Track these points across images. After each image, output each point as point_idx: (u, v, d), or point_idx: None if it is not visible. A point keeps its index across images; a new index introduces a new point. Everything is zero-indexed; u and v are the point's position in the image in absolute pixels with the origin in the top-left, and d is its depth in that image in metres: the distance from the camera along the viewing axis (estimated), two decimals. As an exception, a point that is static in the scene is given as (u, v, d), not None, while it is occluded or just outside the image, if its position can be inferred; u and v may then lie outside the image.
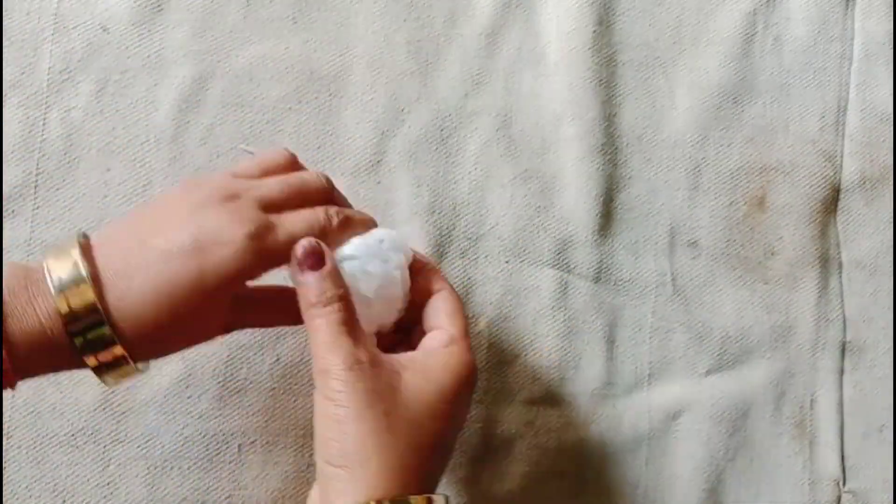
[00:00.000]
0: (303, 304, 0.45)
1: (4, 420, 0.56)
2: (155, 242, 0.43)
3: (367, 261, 0.47)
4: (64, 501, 0.55)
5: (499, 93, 0.63)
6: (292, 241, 0.44)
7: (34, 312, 0.40)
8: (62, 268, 0.41)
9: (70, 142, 0.58)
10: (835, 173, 0.64)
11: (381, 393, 0.43)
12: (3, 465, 0.55)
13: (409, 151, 0.61)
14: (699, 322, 0.62)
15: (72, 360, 0.41)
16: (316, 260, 0.45)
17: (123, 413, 0.57)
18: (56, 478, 0.55)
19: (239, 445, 0.57)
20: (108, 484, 0.56)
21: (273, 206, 0.45)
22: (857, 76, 0.65)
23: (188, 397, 0.57)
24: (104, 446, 0.56)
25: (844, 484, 0.62)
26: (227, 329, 0.49)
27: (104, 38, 0.60)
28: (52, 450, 0.56)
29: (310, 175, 0.49)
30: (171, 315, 0.42)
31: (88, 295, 0.40)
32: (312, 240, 0.45)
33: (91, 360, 0.41)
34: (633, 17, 0.64)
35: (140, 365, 0.43)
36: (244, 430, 0.58)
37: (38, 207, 0.58)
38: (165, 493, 0.56)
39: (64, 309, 0.40)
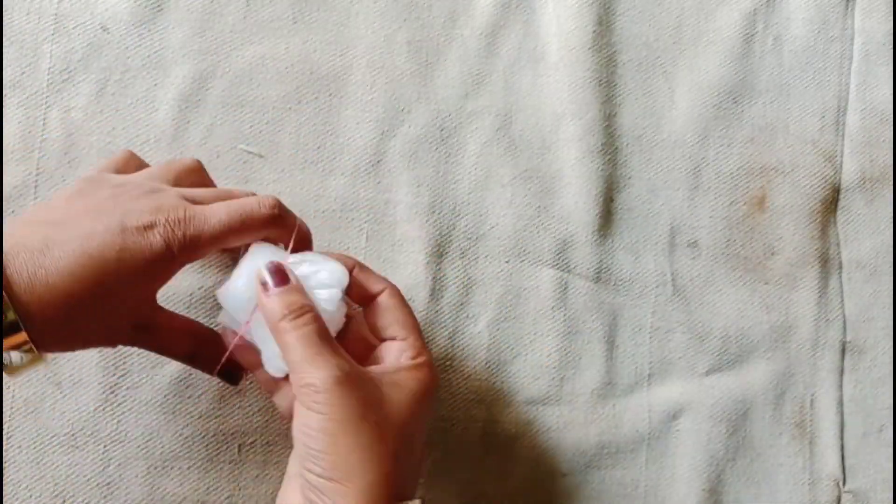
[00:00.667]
0: (271, 322, 0.45)
1: (4, 420, 0.56)
2: (78, 223, 0.43)
3: (317, 275, 0.48)
4: (64, 501, 0.55)
5: (499, 93, 0.63)
6: (217, 228, 0.45)
7: None
8: None
9: (70, 142, 0.58)
10: (835, 173, 0.64)
11: (371, 405, 0.43)
12: (4, 465, 0.55)
13: (409, 151, 0.61)
14: (699, 322, 0.62)
15: None
16: (281, 277, 0.46)
17: (123, 413, 0.57)
18: (56, 478, 0.55)
19: (239, 446, 0.57)
20: (107, 484, 0.56)
21: (196, 202, 0.46)
22: (857, 76, 0.65)
23: (188, 397, 0.57)
24: (104, 446, 0.56)
25: (844, 484, 0.62)
26: (130, 339, 0.48)
27: (104, 38, 0.60)
28: (52, 450, 0.56)
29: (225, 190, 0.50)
30: (85, 291, 0.41)
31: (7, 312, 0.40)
32: (275, 260, 0.46)
33: None
34: (633, 17, 0.64)
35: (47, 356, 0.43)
36: (244, 431, 0.58)
37: (38, 207, 0.58)
38: (165, 493, 0.56)
39: None
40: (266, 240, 0.49)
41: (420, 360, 0.47)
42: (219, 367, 0.50)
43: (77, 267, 0.41)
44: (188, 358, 0.50)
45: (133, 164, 0.51)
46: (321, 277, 0.48)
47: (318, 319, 0.45)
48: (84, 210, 0.44)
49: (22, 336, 0.40)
